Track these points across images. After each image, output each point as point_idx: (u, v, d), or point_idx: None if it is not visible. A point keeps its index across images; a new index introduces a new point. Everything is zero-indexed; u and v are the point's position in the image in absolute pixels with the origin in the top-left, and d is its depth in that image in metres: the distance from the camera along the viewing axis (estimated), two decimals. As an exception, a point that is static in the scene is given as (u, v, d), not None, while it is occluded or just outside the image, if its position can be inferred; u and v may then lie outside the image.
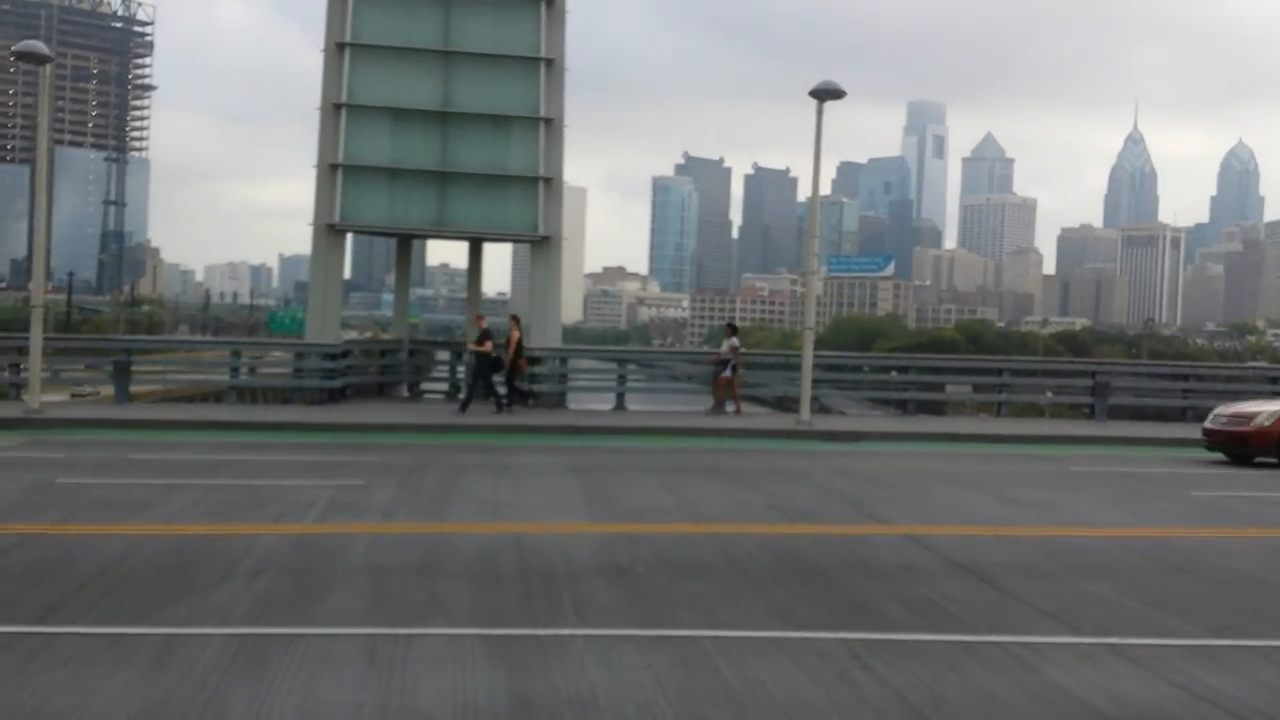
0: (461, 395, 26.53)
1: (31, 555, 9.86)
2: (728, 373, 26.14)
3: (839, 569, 10.09)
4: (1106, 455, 21.39)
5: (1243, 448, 19.84)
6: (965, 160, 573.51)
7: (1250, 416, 19.93)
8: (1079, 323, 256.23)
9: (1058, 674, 7.16)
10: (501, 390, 25.12)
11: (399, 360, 30.38)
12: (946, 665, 7.26)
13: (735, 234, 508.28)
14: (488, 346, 25.27)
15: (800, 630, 8.00)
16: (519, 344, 25.46)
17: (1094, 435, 24.35)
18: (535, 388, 27.12)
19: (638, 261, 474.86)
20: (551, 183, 28.21)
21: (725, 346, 26.76)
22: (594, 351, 42.97)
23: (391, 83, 27.67)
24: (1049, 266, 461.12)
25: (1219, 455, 20.38)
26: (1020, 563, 10.58)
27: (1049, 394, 30.68)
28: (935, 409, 30.00)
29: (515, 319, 26.54)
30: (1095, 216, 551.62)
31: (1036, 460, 19.99)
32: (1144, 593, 9.48)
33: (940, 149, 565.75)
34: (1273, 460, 19.58)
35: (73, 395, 26.52)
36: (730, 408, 26.13)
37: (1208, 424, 20.74)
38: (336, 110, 27.42)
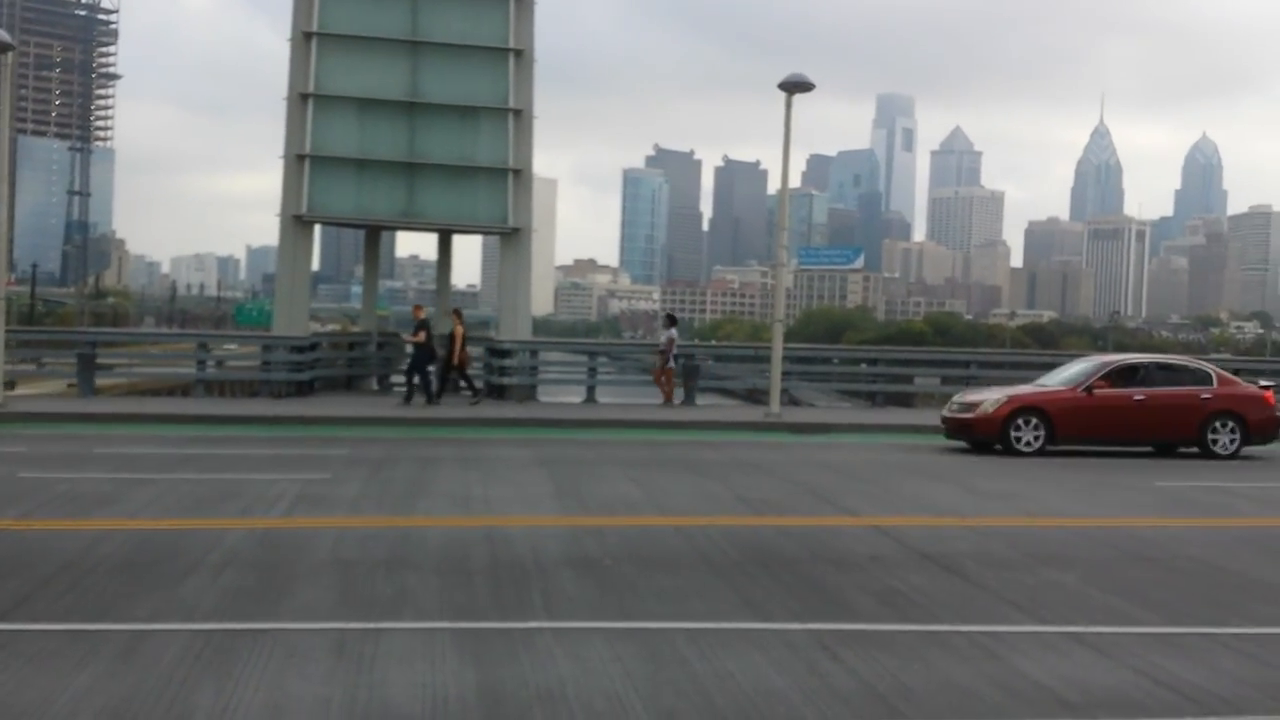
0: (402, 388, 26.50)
1: (-6, 550, 9.76)
2: (670, 364, 26.11)
3: (807, 560, 10.13)
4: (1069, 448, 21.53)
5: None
6: (934, 153, 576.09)
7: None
8: (1046, 315, 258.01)
9: (1023, 663, 7.22)
10: (434, 383, 25.03)
11: (368, 353, 30.27)
12: (914, 655, 7.31)
13: (706, 226, 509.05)
14: (421, 337, 25.21)
15: (769, 622, 8.02)
16: (462, 337, 25.31)
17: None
18: (505, 381, 27.06)
19: (608, 254, 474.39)
20: (521, 174, 28.14)
21: (664, 338, 26.70)
22: (564, 344, 42.95)
23: (359, 73, 27.53)
24: (1016, 259, 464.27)
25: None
26: (986, 553, 10.66)
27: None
28: (904, 401, 30.18)
29: (457, 312, 26.39)
30: (1062, 209, 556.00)
31: (1002, 454, 20.08)
32: (1108, 582, 9.57)
33: (909, 142, 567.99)
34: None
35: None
36: (678, 399, 26.25)
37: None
38: (303, 100, 27.24)
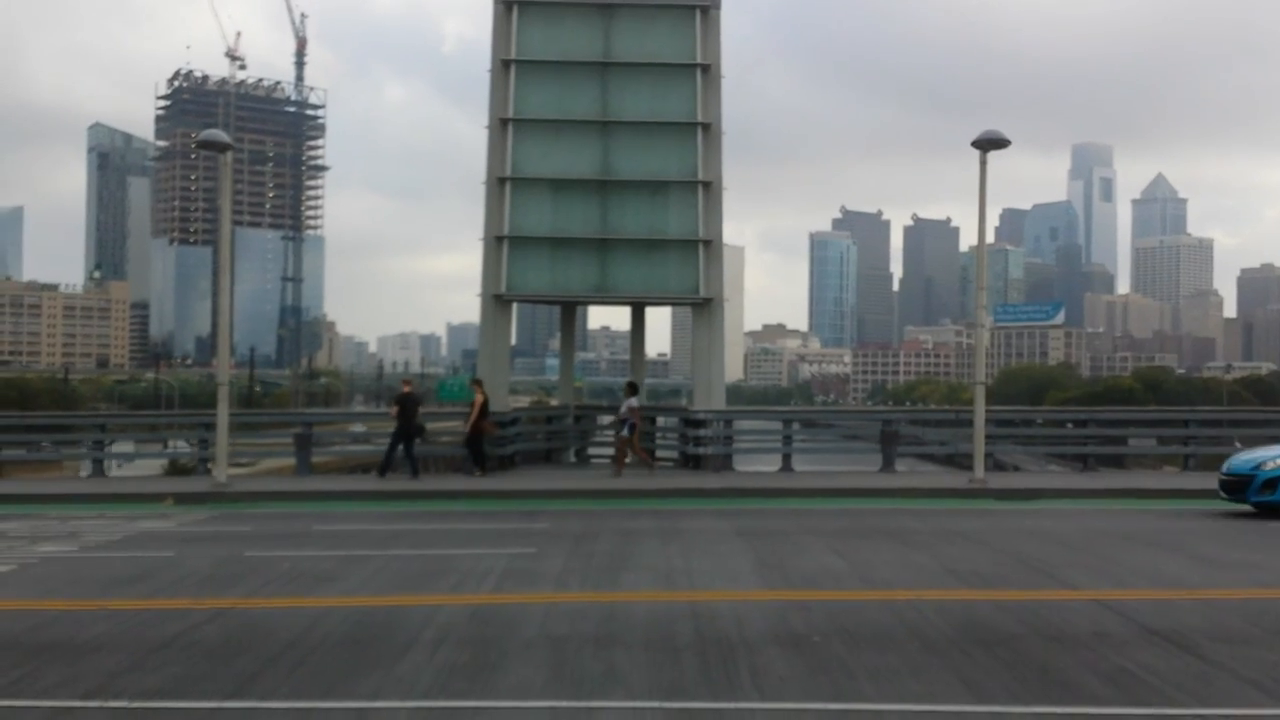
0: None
1: (224, 628, 10.22)
2: (625, 432, 25.40)
3: (1026, 637, 9.71)
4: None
5: None
6: (1135, 202, 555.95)
7: None
8: (1265, 367, 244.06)
9: (1273, 751, 6.73)
10: (395, 457, 24.82)
11: (565, 426, 30.76)
12: (1149, 742, 6.90)
13: (896, 286, 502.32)
14: (394, 411, 25.36)
15: (989, 704, 7.70)
16: (483, 407, 25.23)
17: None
18: (700, 451, 27.07)
19: (797, 318, 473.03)
20: (711, 244, 28.34)
21: (624, 407, 25.95)
22: (759, 412, 42.76)
23: (552, 155, 28.30)
24: (1229, 309, 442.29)
25: None
26: (1221, 628, 10.02)
27: (1238, 445, 29.18)
28: (1117, 463, 28.88)
29: (478, 383, 26.29)
30: (1276, 255, 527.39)
31: (1230, 517, 18.96)
32: (1362, 661, 8.86)
33: (1108, 192, 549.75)
34: None
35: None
36: (647, 469, 25.67)
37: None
38: (500, 184, 28.15)
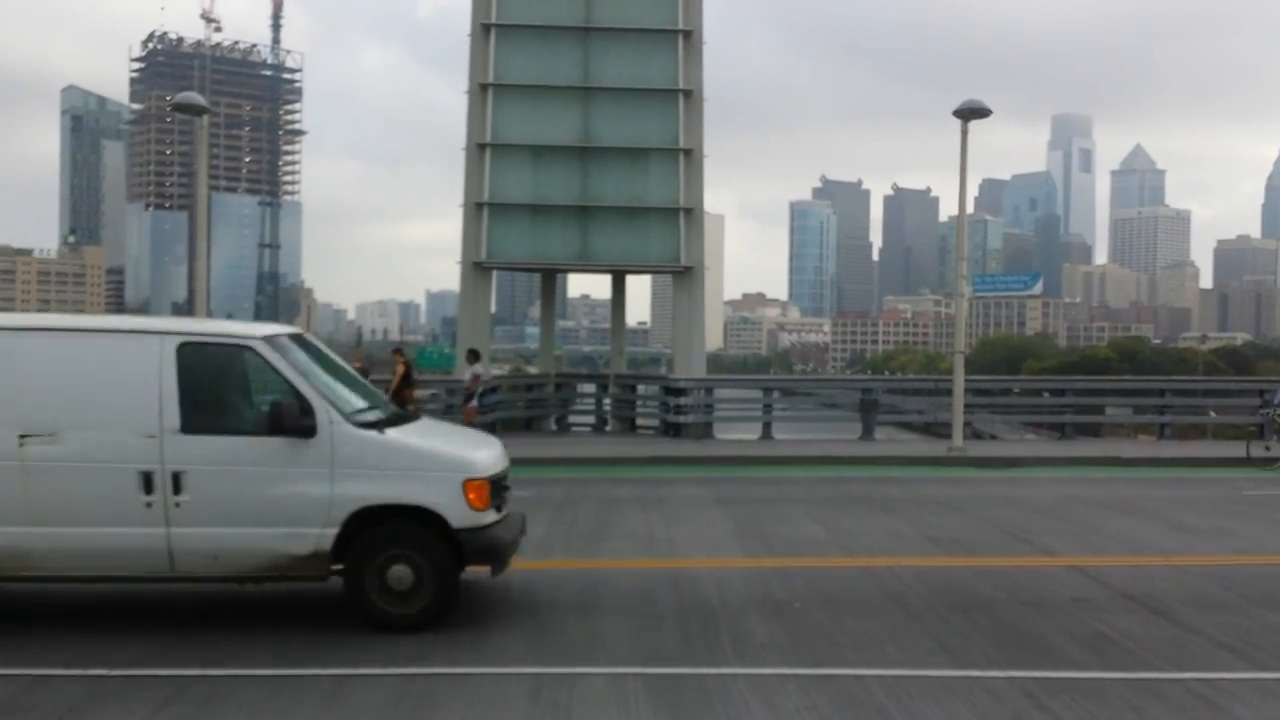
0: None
1: (196, 595, 10.19)
2: (473, 403, 24.41)
3: (1004, 603, 9.79)
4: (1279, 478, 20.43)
5: None
6: (1114, 173, 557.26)
7: None
8: (1240, 337, 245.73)
9: (1245, 712, 6.82)
10: None
11: (546, 394, 30.74)
12: (1126, 705, 6.98)
13: (875, 256, 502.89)
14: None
15: (969, 669, 7.77)
16: (403, 376, 24.89)
17: (1263, 457, 23.22)
18: (681, 419, 27.10)
19: (777, 287, 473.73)
20: (692, 213, 28.29)
21: (468, 374, 25.17)
22: (740, 380, 42.83)
23: (533, 121, 28.15)
24: (1206, 280, 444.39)
25: None
26: (1196, 594, 10.13)
27: (1213, 414, 29.43)
28: (1093, 431, 29.04)
29: (398, 352, 25.70)
30: (1253, 227, 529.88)
31: (1205, 485, 19.15)
32: (1335, 627, 8.98)
33: (1087, 163, 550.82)
34: None
35: None
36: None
37: None
38: (481, 150, 27.99)
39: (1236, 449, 23.35)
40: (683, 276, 28.67)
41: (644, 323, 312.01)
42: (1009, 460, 22.57)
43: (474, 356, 25.70)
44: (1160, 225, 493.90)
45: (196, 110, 23.20)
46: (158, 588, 10.32)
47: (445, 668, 7.82)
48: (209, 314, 24.86)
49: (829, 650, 8.27)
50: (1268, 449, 22.49)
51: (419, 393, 26.41)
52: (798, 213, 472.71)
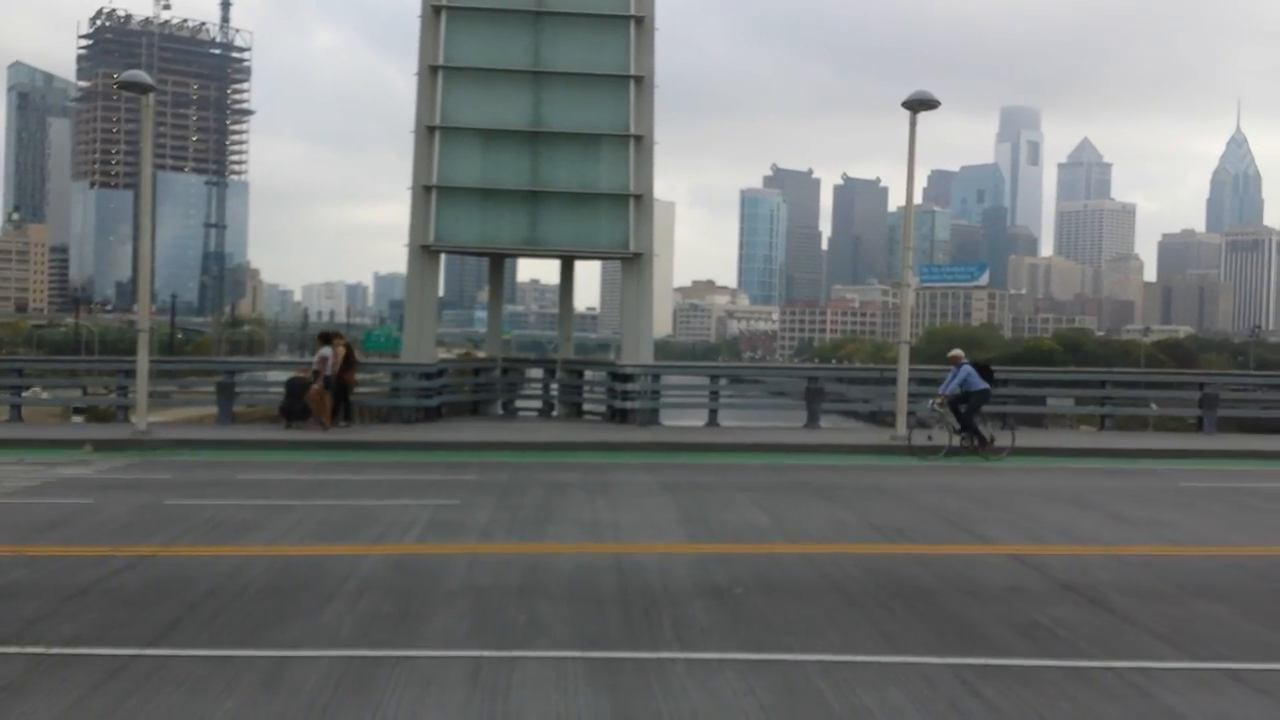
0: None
1: (143, 576, 10.09)
2: (318, 385, 24.40)
3: (943, 590, 9.90)
4: (1217, 470, 20.79)
5: None
6: (1061, 166, 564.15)
7: None
8: (1182, 330, 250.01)
9: (1176, 701, 6.94)
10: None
11: (493, 378, 30.63)
12: (1059, 692, 7.08)
13: (825, 245, 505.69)
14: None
15: (906, 655, 7.86)
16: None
17: (1203, 449, 23.65)
18: (628, 405, 27.11)
19: (727, 275, 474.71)
20: (642, 199, 28.26)
21: (316, 357, 25.22)
22: (687, 367, 42.90)
23: (483, 104, 27.97)
24: (1150, 273, 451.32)
25: None
26: (1132, 584, 10.30)
27: (1154, 406, 29.92)
28: (1035, 422, 29.42)
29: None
30: (1197, 221, 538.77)
31: (1144, 475, 19.47)
32: (1263, 615, 9.16)
33: (1035, 155, 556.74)
34: None
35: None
36: (337, 423, 24.77)
37: None
38: (430, 133, 27.78)
39: (1178, 440, 23.70)
40: (632, 263, 28.65)
41: (593, 308, 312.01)
42: (951, 450, 22.79)
43: (325, 339, 26.00)
44: (1106, 218, 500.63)
45: (142, 88, 22.87)
46: (96, 565, 10.20)
47: (385, 650, 7.78)
48: (154, 294, 24.51)
49: (769, 636, 8.33)
50: (930, 438, 22.61)
51: (359, 375, 26.35)
52: (748, 201, 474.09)
